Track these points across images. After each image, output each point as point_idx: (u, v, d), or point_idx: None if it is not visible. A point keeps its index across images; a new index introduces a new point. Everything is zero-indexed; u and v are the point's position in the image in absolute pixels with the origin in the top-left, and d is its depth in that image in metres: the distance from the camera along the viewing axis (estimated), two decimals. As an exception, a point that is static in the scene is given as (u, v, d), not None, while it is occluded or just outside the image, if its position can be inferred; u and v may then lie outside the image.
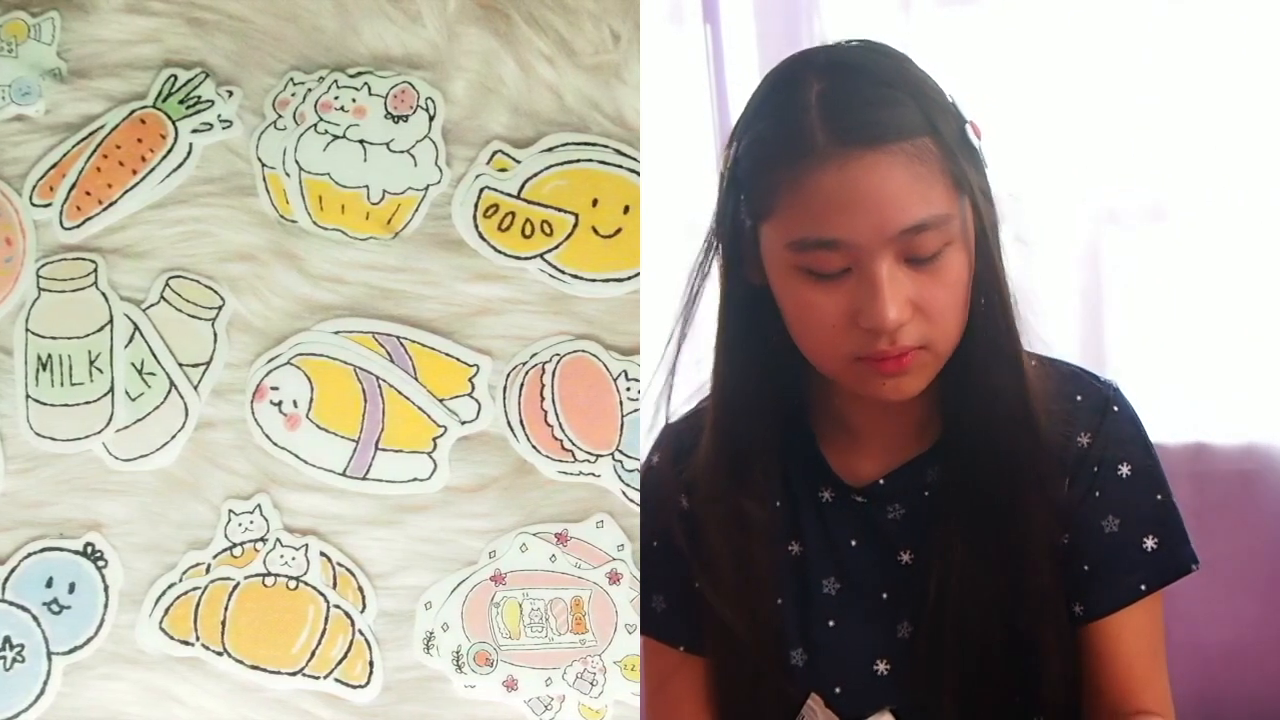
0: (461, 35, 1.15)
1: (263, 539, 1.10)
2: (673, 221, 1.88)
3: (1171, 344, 2.00)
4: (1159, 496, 0.98)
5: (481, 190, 1.13)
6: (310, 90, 1.14)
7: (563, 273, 1.12)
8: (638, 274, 1.12)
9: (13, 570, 1.10)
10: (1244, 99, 1.92)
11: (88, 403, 1.11)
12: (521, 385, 1.11)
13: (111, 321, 1.12)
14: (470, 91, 1.15)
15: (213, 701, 1.09)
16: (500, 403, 1.11)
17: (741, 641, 1.01)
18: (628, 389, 1.11)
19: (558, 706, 1.09)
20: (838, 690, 1.00)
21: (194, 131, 1.14)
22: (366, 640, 1.09)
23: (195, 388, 1.12)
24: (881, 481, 1.01)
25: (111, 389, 1.11)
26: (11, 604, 1.09)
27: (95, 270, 1.13)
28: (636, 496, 1.09)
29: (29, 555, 1.10)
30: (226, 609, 1.09)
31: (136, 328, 1.12)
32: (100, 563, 1.10)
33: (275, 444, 1.11)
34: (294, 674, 1.09)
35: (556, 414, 1.11)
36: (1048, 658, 0.96)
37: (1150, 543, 0.97)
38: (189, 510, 1.11)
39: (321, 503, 1.11)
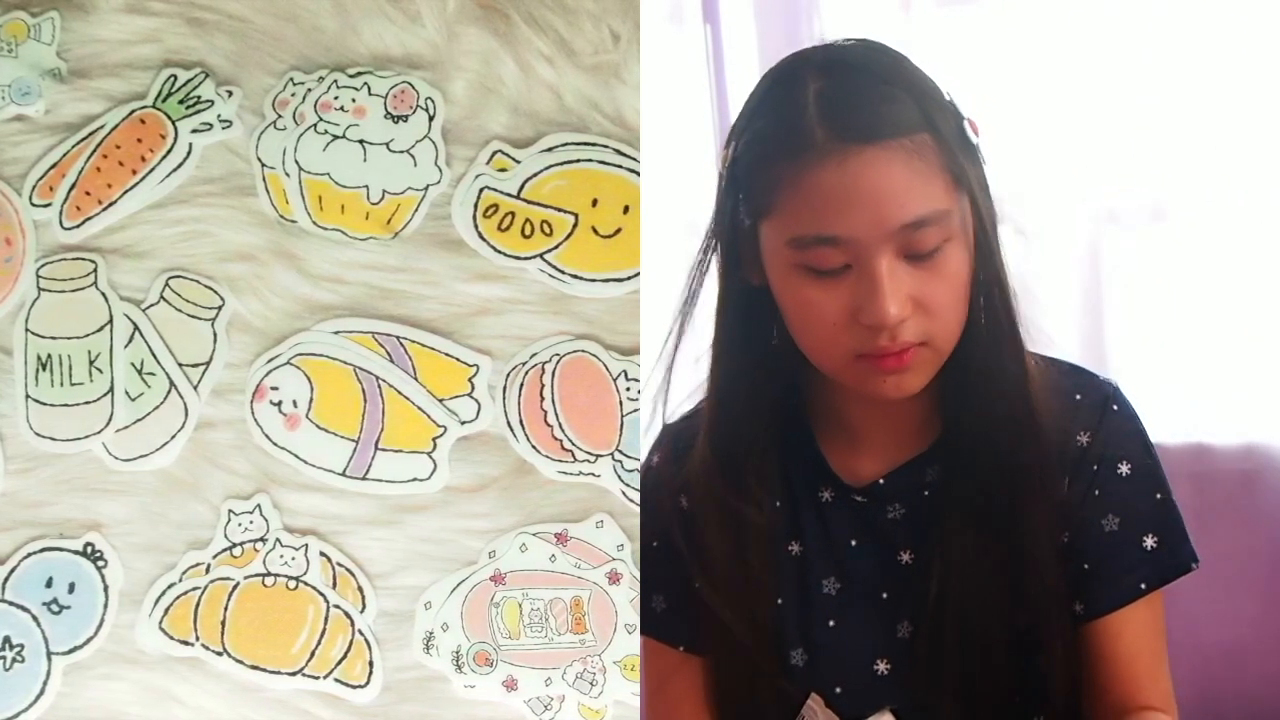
0: (461, 35, 1.15)
1: (262, 539, 1.10)
2: (673, 221, 1.88)
3: (1171, 344, 2.00)
4: (1159, 495, 0.98)
5: (481, 190, 1.13)
6: (310, 90, 1.14)
7: (562, 273, 1.12)
8: (638, 274, 1.12)
9: (13, 570, 1.10)
10: (1244, 99, 1.92)
11: (87, 403, 1.11)
12: (521, 385, 1.11)
13: (111, 321, 1.12)
14: (470, 91, 1.15)
15: (212, 701, 1.09)
16: (500, 403, 1.11)
17: (741, 642, 1.01)
18: (627, 389, 1.11)
19: (557, 706, 1.09)
20: (838, 690, 1.00)
21: (194, 131, 1.14)
22: (366, 640, 1.09)
23: (195, 388, 1.12)
24: (881, 481, 1.01)
25: (111, 389, 1.11)
26: (11, 604, 1.09)
27: (95, 270, 1.13)
28: (636, 496, 1.09)
29: (29, 555, 1.10)
30: (226, 609, 1.09)
31: (136, 328, 1.12)
32: (100, 563, 1.10)
33: (275, 444, 1.11)
34: (294, 674, 1.09)
35: (556, 414, 1.11)
36: (1053, 657, 0.96)
37: (1150, 541, 0.97)
38: (189, 510, 1.11)
39: (321, 503, 1.11)
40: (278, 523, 1.10)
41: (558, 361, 1.11)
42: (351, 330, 1.12)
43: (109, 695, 1.09)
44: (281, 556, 1.10)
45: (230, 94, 1.15)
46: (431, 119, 1.14)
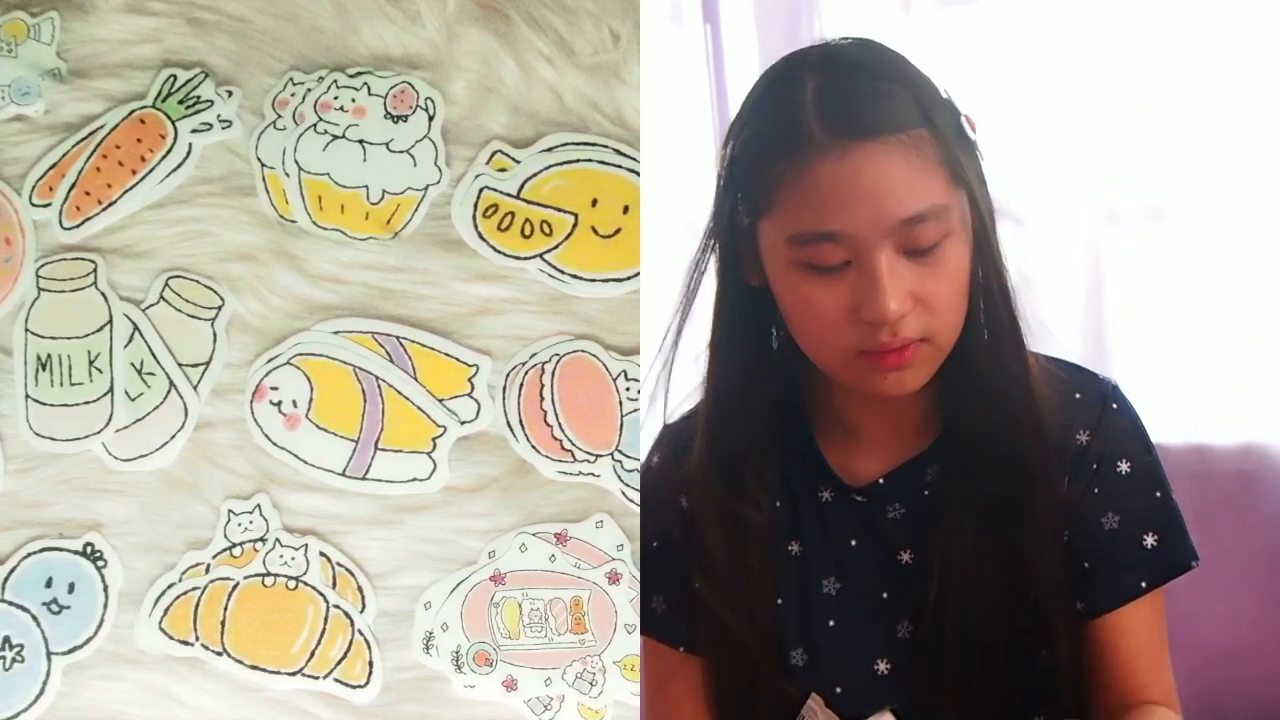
0: (461, 35, 1.15)
1: (262, 539, 1.10)
2: (673, 221, 1.88)
3: (1171, 344, 2.00)
4: (1158, 493, 0.98)
5: (481, 190, 1.13)
6: (310, 90, 1.14)
7: (562, 273, 1.12)
8: (637, 274, 1.12)
9: (12, 570, 1.10)
10: (1244, 99, 1.93)
11: (87, 403, 1.11)
12: (521, 385, 1.11)
13: (111, 321, 1.12)
14: (470, 91, 1.15)
15: (212, 701, 1.09)
16: (500, 403, 1.11)
17: (741, 642, 1.01)
18: (627, 389, 1.11)
19: (557, 706, 1.08)
20: (838, 690, 1.00)
21: (193, 131, 1.14)
22: (366, 640, 1.09)
23: (195, 388, 1.12)
24: (881, 481, 1.01)
25: (111, 389, 1.11)
26: (11, 604, 1.09)
27: (95, 270, 1.13)
28: (636, 496, 1.09)
29: (29, 555, 1.10)
30: (226, 609, 1.09)
31: (136, 328, 1.12)
32: (100, 563, 1.10)
33: (275, 444, 1.11)
34: (293, 674, 1.09)
35: (556, 414, 1.11)
36: (1055, 655, 0.96)
37: (1150, 540, 0.97)
38: (188, 510, 1.11)
39: (321, 503, 1.11)
40: (277, 523, 1.10)
41: (557, 361, 1.11)
42: (351, 330, 1.12)
43: (109, 695, 1.09)
44: (281, 556, 1.10)
45: (230, 94, 1.15)
46: (431, 119, 1.14)
